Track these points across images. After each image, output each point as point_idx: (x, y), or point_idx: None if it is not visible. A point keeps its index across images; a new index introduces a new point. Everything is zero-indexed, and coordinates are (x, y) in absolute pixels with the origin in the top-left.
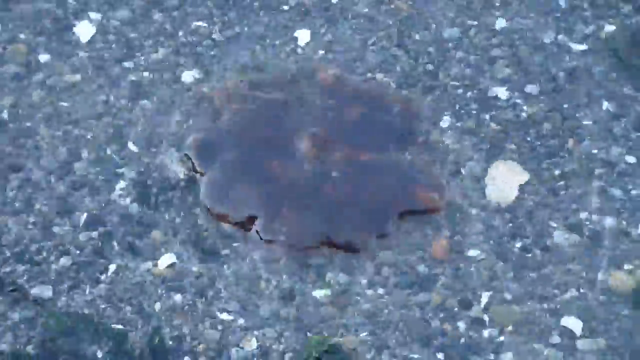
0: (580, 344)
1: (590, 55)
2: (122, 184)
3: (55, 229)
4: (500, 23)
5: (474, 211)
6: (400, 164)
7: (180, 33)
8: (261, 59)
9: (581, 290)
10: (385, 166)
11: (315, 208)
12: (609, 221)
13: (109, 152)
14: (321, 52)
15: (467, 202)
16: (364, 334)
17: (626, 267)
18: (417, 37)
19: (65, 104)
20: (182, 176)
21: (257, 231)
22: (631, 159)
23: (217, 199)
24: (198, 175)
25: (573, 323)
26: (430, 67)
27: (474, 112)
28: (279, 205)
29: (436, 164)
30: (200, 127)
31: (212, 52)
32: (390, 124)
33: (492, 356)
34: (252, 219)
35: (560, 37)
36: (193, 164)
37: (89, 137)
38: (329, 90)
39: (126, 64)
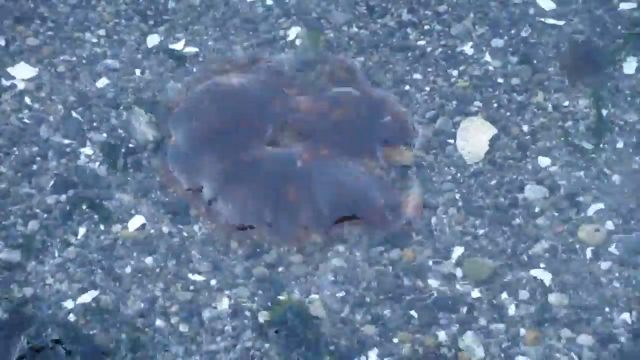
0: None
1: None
2: (89, 146)
3: (22, 192)
4: None
5: (445, 167)
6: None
7: None
8: None
9: (551, 244)
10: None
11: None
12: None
13: (74, 114)
14: None
15: (437, 159)
16: (338, 293)
17: (594, 224)
18: None
19: None
20: (150, 138)
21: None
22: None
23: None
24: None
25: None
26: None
27: (443, 68)
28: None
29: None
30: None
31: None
32: None
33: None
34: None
35: None
36: (161, 126)
37: (54, 98)
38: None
39: None
